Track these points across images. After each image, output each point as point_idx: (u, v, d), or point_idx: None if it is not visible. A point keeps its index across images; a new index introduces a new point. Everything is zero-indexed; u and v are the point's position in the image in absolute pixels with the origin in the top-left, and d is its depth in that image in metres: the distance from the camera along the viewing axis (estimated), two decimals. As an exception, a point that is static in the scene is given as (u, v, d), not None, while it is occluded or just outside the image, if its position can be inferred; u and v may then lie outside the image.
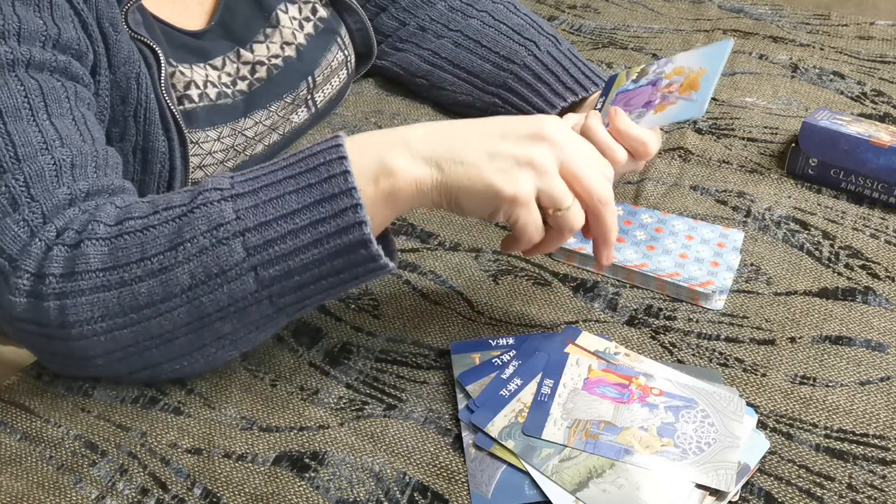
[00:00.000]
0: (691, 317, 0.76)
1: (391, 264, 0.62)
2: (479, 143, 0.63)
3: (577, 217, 0.65)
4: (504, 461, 0.62)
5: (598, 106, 0.84)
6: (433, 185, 0.62)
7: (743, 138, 1.00)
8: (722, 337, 0.74)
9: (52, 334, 0.63)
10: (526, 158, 0.62)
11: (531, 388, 0.67)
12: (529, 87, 0.95)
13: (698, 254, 0.81)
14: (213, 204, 0.62)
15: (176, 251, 0.61)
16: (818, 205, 0.89)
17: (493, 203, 0.62)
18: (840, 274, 0.81)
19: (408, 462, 0.63)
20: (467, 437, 0.64)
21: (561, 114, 0.90)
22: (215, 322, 0.62)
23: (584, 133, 0.75)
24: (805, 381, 0.70)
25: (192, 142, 0.84)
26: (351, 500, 0.61)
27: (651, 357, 0.71)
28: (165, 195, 0.66)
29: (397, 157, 0.62)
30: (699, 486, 0.60)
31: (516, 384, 0.67)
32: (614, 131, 0.76)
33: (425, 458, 0.64)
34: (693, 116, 0.75)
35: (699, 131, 1.01)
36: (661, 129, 0.86)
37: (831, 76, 1.12)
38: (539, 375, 0.68)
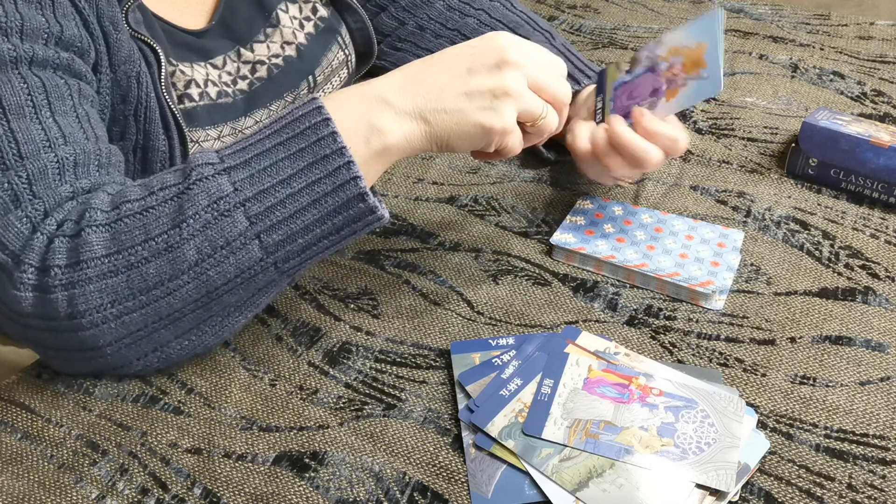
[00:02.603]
0: (691, 317, 0.76)
1: (386, 215, 0.66)
2: (453, 84, 0.67)
3: (552, 121, 0.71)
4: (504, 461, 0.62)
5: (598, 106, 0.84)
6: (422, 136, 0.67)
7: (743, 138, 1.00)
8: (722, 337, 0.74)
9: (61, 327, 0.63)
10: (501, 89, 0.66)
11: (531, 387, 0.67)
12: None
13: (698, 254, 0.81)
14: (208, 179, 0.63)
15: (180, 228, 0.62)
16: (818, 205, 0.90)
17: (484, 139, 0.68)
18: (840, 274, 0.81)
19: (407, 462, 0.63)
20: (467, 437, 0.64)
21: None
22: (223, 294, 0.64)
23: (616, 141, 0.78)
24: (805, 381, 0.70)
25: (192, 141, 0.84)
26: (351, 500, 0.61)
27: (651, 357, 0.71)
28: (156, 176, 0.67)
29: (382, 116, 0.66)
30: (699, 486, 0.60)
31: (516, 384, 0.67)
32: (644, 132, 0.78)
33: (425, 458, 0.64)
34: (711, 94, 0.76)
35: (699, 131, 1.01)
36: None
37: (831, 76, 1.12)
38: (539, 375, 0.68)
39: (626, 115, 0.80)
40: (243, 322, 0.69)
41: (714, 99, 1.07)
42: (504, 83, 0.66)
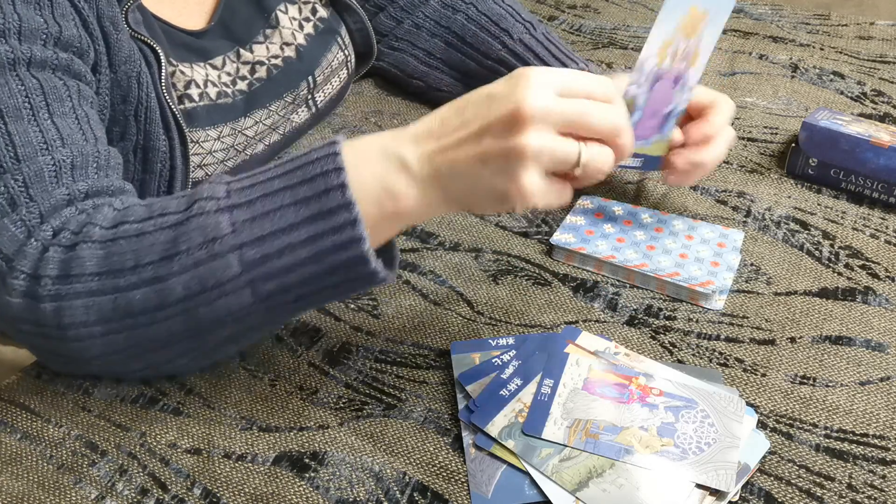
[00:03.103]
0: (691, 317, 0.76)
1: (390, 276, 0.62)
2: (467, 146, 0.60)
3: (601, 160, 0.61)
4: (504, 461, 0.62)
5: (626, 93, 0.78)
6: (439, 203, 0.61)
7: (743, 138, 1.00)
8: (722, 337, 0.74)
9: (50, 334, 0.63)
10: (515, 151, 0.58)
11: (531, 388, 0.67)
12: None
13: (698, 254, 0.81)
14: (208, 214, 0.60)
15: (171, 261, 0.60)
16: (818, 205, 0.89)
17: (504, 203, 0.61)
18: (840, 274, 0.81)
19: (407, 462, 0.63)
20: (467, 437, 0.64)
21: None
22: (213, 330, 0.62)
23: (701, 166, 0.80)
24: (805, 381, 0.70)
25: (192, 141, 0.84)
26: (351, 500, 0.61)
27: (651, 357, 0.71)
28: (163, 199, 0.65)
29: (399, 181, 0.60)
30: (699, 486, 0.60)
31: (516, 384, 0.67)
32: (704, 137, 0.81)
33: (425, 457, 0.64)
34: (727, 13, 0.74)
35: (699, 131, 1.01)
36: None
37: (831, 76, 1.12)
38: (539, 375, 0.68)
39: (661, 124, 0.78)
40: (237, 350, 0.67)
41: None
42: (518, 143, 0.58)
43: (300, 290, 0.60)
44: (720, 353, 0.72)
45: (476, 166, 0.59)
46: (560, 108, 0.59)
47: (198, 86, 0.85)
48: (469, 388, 0.67)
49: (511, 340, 0.72)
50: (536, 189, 0.59)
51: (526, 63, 0.95)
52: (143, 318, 0.61)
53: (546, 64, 0.95)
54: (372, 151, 0.61)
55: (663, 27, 0.70)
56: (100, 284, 0.61)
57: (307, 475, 0.62)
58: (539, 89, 0.59)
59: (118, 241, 0.62)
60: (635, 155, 0.80)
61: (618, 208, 0.87)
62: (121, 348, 0.63)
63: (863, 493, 0.61)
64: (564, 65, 0.94)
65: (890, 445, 0.65)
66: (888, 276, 0.80)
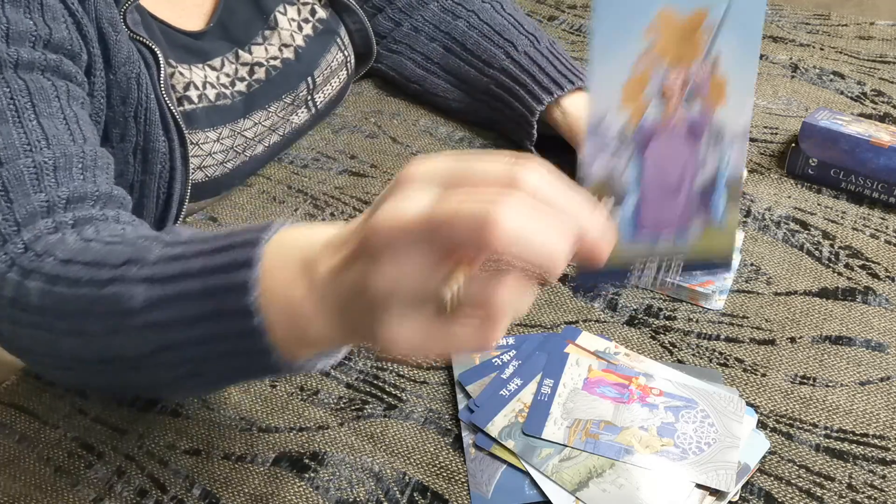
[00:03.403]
0: (691, 317, 0.76)
1: (296, 362, 0.51)
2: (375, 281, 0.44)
3: (482, 293, 0.43)
4: (504, 461, 0.62)
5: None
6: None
7: (743, 138, 1.00)
8: (722, 337, 0.74)
9: (7, 348, 0.63)
10: (411, 291, 0.43)
11: (531, 387, 0.67)
12: (509, 92, 0.94)
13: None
14: (128, 283, 0.54)
15: (87, 322, 0.56)
16: (818, 205, 0.89)
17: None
18: (840, 274, 0.80)
19: (408, 462, 0.63)
20: (467, 438, 0.64)
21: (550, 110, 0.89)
22: (136, 388, 0.62)
23: None
24: (805, 381, 0.70)
25: (192, 143, 0.84)
26: (351, 500, 0.61)
27: (651, 357, 0.71)
28: (108, 246, 0.59)
29: (305, 306, 0.48)
30: (699, 486, 0.60)
31: (516, 384, 0.67)
32: None
33: (425, 458, 0.64)
34: (753, 12, 0.52)
35: (699, 131, 1.01)
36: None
37: (831, 76, 1.12)
38: (539, 375, 0.68)
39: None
40: (182, 396, 0.66)
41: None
42: (367, 285, 0.44)
43: (205, 378, 0.55)
44: (720, 353, 0.72)
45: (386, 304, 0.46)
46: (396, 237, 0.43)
47: (196, 87, 0.85)
48: (469, 388, 0.67)
49: (511, 340, 0.72)
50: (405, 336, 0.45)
51: (529, 74, 0.93)
52: (72, 363, 0.60)
53: (547, 76, 0.92)
54: (291, 262, 0.49)
55: (611, 57, 0.46)
56: (40, 320, 0.59)
57: (307, 475, 0.62)
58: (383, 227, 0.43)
59: (60, 281, 0.58)
60: (669, 261, 0.53)
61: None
62: (64, 378, 0.64)
63: (863, 493, 0.61)
64: (565, 78, 0.92)
65: (890, 445, 0.65)
66: (888, 276, 0.80)
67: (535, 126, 0.91)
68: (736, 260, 0.80)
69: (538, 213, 0.41)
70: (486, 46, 0.98)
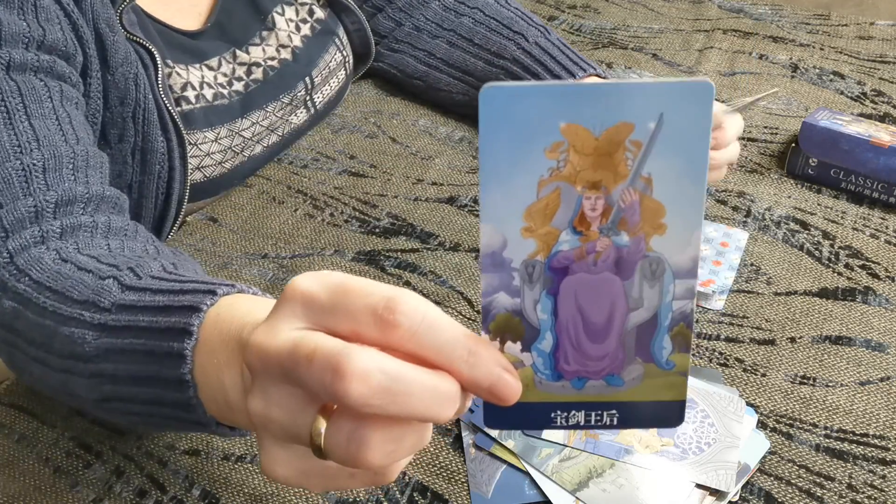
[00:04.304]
0: (691, 317, 0.76)
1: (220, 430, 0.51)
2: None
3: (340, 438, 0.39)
4: (504, 461, 0.62)
5: None
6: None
7: (743, 138, 1.00)
8: (722, 337, 0.74)
9: None
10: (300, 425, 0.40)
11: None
12: (520, 80, 0.95)
13: (701, 252, 0.80)
14: (83, 326, 0.53)
15: (47, 354, 0.56)
16: (818, 205, 0.89)
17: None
18: (840, 274, 0.80)
19: (407, 462, 0.63)
20: (467, 437, 0.64)
21: None
22: (112, 416, 0.59)
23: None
24: (805, 381, 0.70)
25: (190, 143, 0.84)
26: (351, 500, 0.61)
27: (651, 357, 0.71)
28: (80, 274, 0.58)
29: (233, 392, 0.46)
30: (699, 486, 0.60)
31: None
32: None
33: (425, 458, 0.64)
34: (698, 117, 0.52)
35: (699, 131, 1.01)
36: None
37: (831, 76, 1.12)
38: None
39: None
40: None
41: (715, 99, 1.07)
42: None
43: (146, 421, 0.54)
44: (720, 353, 0.72)
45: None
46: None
47: (194, 88, 0.85)
48: (468, 388, 0.67)
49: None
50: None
51: (541, 63, 0.95)
52: (40, 384, 0.60)
53: (560, 65, 0.94)
54: (227, 339, 0.47)
55: (506, 181, 0.39)
56: (7, 337, 0.59)
57: (306, 476, 0.62)
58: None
59: (28, 304, 0.58)
60: (601, 409, 0.44)
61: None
62: (42, 391, 0.63)
63: (863, 493, 0.61)
64: (577, 66, 0.94)
65: (890, 445, 0.65)
66: (888, 276, 0.80)
67: None
68: (737, 259, 0.80)
69: (403, 366, 0.37)
70: (496, 39, 0.99)
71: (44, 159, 0.65)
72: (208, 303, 0.48)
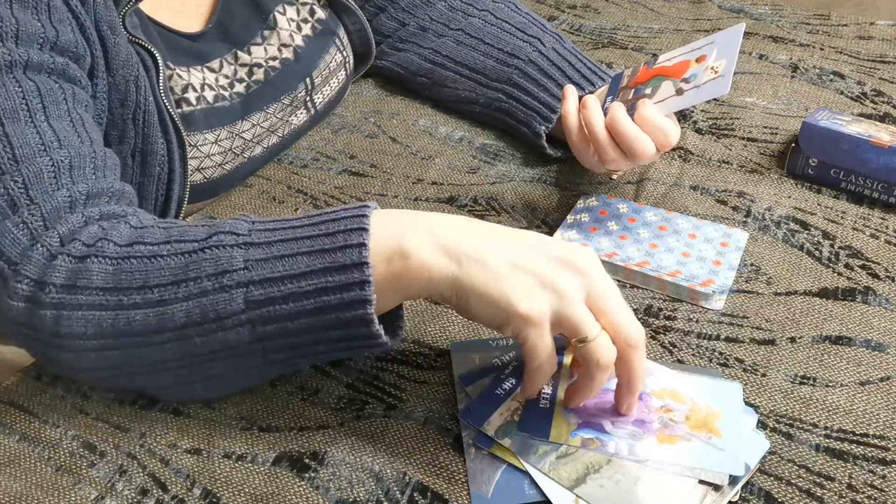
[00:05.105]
0: (691, 317, 0.76)
1: (390, 343, 0.61)
2: (506, 249, 0.59)
3: (603, 349, 0.59)
4: (504, 461, 0.62)
5: (605, 105, 0.84)
6: (446, 279, 0.58)
7: (743, 138, 1.00)
8: (722, 337, 0.74)
9: (46, 341, 0.63)
10: (550, 279, 0.58)
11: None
12: (535, 83, 0.95)
13: (701, 252, 0.81)
14: (224, 248, 0.60)
15: (177, 287, 0.60)
16: (818, 205, 0.89)
17: (504, 314, 0.58)
18: (840, 274, 0.80)
19: (408, 462, 0.63)
20: (467, 437, 0.64)
21: None
22: (206, 362, 0.62)
23: (613, 127, 0.77)
24: (805, 381, 0.70)
25: (190, 144, 0.84)
26: (351, 500, 0.61)
27: (651, 357, 0.71)
28: (183, 226, 0.65)
29: (416, 239, 0.59)
30: (701, 483, 0.60)
31: (511, 383, 0.67)
32: (641, 120, 0.78)
33: (425, 458, 0.64)
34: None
35: (699, 131, 1.01)
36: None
37: (831, 76, 1.12)
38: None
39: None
40: (227, 393, 0.67)
41: (714, 99, 1.07)
42: (555, 276, 0.58)
43: (298, 338, 0.60)
44: (720, 353, 0.72)
45: (505, 266, 0.58)
46: (606, 281, 0.60)
47: (195, 89, 0.85)
48: (469, 388, 0.67)
49: (511, 341, 0.72)
50: (541, 320, 0.58)
51: (558, 68, 0.95)
52: (140, 339, 0.61)
53: (578, 72, 0.95)
54: (402, 217, 0.61)
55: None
56: (103, 300, 0.61)
57: (307, 475, 0.62)
58: (595, 258, 0.60)
59: (130, 259, 0.62)
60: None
61: (622, 206, 0.87)
62: (112, 365, 0.63)
63: (863, 493, 0.61)
64: (596, 75, 0.95)
65: (890, 445, 0.65)
66: (888, 276, 0.80)
67: (558, 114, 0.92)
68: (737, 259, 0.80)
69: None
70: (509, 40, 0.99)
71: (69, 157, 0.67)
72: (372, 205, 0.61)
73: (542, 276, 0.58)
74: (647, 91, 0.81)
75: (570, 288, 0.58)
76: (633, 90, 0.82)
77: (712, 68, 0.77)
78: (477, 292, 0.58)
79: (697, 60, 0.79)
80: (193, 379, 0.64)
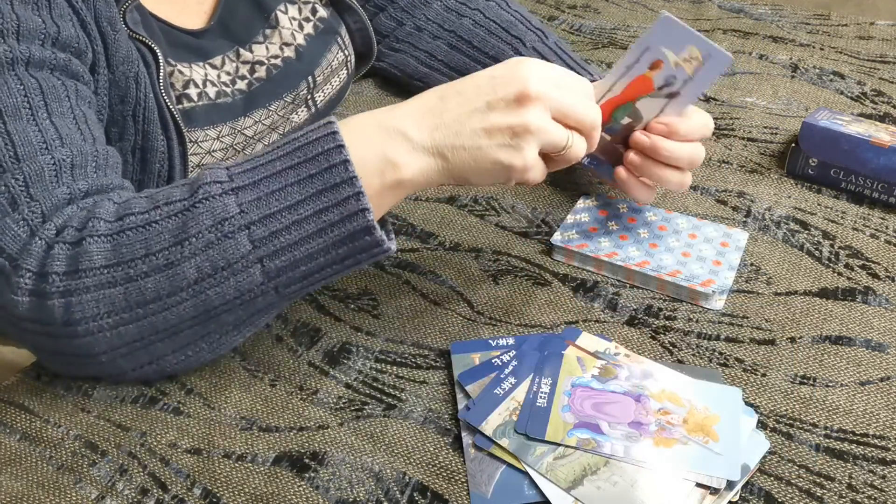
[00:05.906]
0: (691, 317, 0.76)
1: (393, 247, 0.64)
2: (472, 119, 0.65)
3: (579, 148, 0.69)
4: (503, 461, 0.62)
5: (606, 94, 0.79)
6: (439, 172, 0.65)
7: (743, 138, 1.00)
8: (722, 337, 0.74)
9: (57, 332, 0.63)
10: (521, 126, 0.65)
11: (525, 386, 0.67)
12: None
13: (701, 252, 0.81)
14: (215, 198, 0.62)
15: (181, 246, 0.62)
16: (818, 205, 0.89)
17: (504, 175, 0.66)
18: (840, 274, 0.80)
19: (407, 462, 0.63)
20: (467, 437, 0.64)
21: None
22: (221, 314, 0.64)
23: (664, 155, 0.79)
24: (805, 381, 0.70)
25: (191, 141, 0.84)
26: (351, 500, 0.61)
27: (651, 357, 0.71)
28: (163, 190, 0.66)
29: (399, 149, 0.64)
30: (698, 485, 0.60)
31: (510, 383, 0.67)
32: (682, 136, 0.79)
33: (425, 458, 0.64)
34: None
35: (699, 131, 1.01)
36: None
37: (831, 76, 1.12)
38: (532, 374, 0.67)
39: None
40: (240, 340, 0.68)
41: (714, 99, 1.07)
42: (525, 120, 0.65)
43: (308, 264, 0.63)
44: (720, 353, 0.72)
45: (481, 137, 0.65)
46: (556, 95, 0.66)
47: (196, 85, 0.85)
48: (469, 388, 0.67)
49: (511, 341, 0.72)
50: (536, 163, 0.67)
51: None
52: (155, 306, 0.62)
53: None
54: (368, 127, 0.66)
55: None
56: (110, 276, 0.62)
57: (307, 475, 0.62)
58: (539, 71, 0.67)
59: (125, 232, 0.63)
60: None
61: (622, 206, 0.87)
62: (130, 340, 0.64)
63: (863, 493, 0.61)
64: (576, 73, 0.94)
65: (890, 445, 0.65)
66: (888, 276, 0.80)
67: None
68: (737, 259, 0.80)
69: None
70: (494, 43, 0.99)
71: (71, 156, 0.67)
72: (334, 120, 0.64)
73: (513, 127, 0.65)
74: (625, 122, 0.79)
75: (540, 121, 0.65)
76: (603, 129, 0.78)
77: (685, 60, 0.74)
78: (471, 171, 0.66)
79: (652, 68, 0.75)
80: (209, 331, 0.65)
